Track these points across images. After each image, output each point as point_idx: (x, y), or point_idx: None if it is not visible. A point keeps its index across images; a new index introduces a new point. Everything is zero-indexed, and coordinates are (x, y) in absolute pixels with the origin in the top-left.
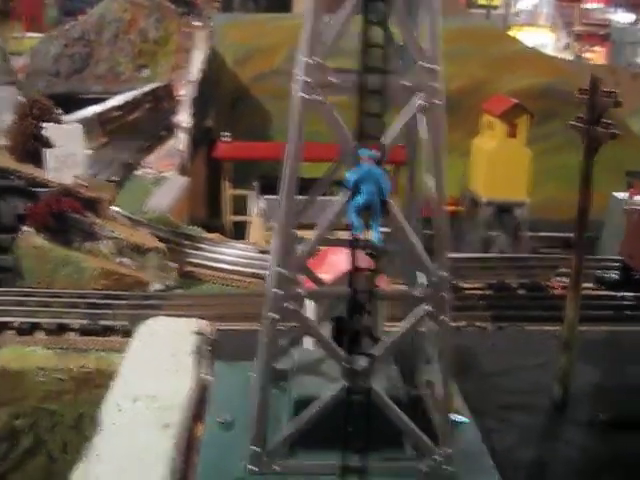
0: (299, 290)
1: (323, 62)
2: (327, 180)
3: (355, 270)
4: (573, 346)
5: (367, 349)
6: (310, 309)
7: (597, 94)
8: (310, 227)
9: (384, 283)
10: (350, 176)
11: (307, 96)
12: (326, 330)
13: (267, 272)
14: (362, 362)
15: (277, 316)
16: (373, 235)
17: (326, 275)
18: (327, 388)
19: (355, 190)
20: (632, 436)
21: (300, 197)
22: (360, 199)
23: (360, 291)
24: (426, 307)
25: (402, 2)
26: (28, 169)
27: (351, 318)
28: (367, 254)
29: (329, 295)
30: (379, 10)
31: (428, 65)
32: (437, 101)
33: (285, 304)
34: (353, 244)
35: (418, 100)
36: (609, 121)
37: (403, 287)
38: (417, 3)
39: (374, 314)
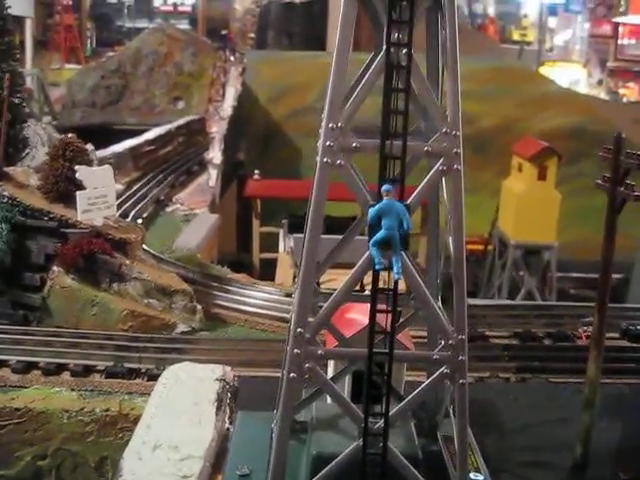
0: (318, 350)
1: (345, 127)
2: (351, 237)
3: (374, 332)
4: (595, 404)
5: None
6: (330, 362)
7: (621, 154)
8: (342, 266)
9: (406, 338)
10: (371, 210)
11: (329, 160)
12: (346, 385)
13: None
14: (378, 422)
15: (296, 375)
16: (393, 270)
17: (350, 328)
18: (346, 445)
19: (376, 224)
20: None
21: (326, 236)
22: (380, 234)
23: (377, 353)
24: (444, 370)
25: (427, 65)
26: (59, 210)
27: (369, 379)
28: (387, 311)
29: (347, 356)
30: (402, 76)
31: (450, 131)
32: (457, 165)
33: (304, 364)
34: (373, 305)
35: (440, 166)
36: (632, 183)
37: (423, 348)
38: (442, 66)
39: (393, 372)
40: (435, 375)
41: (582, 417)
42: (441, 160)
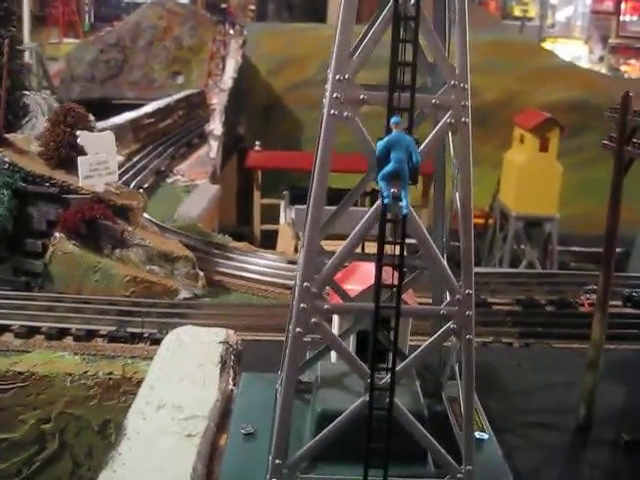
0: (325, 305)
1: (352, 79)
2: (358, 191)
3: (380, 285)
4: (598, 366)
5: (390, 365)
6: (335, 322)
7: (628, 113)
8: (340, 238)
9: (410, 298)
10: (379, 143)
11: (336, 112)
12: (351, 343)
13: (293, 283)
14: (384, 378)
15: (302, 330)
16: (402, 204)
17: (355, 287)
18: (350, 403)
19: (384, 158)
20: None
21: (329, 207)
22: (389, 167)
23: (384, 307)
24: (451, 325)
25: (433, 20)
26: (61, 176)
27: (375, 334)
28: (394, 268)
29: (354, 310)
30: (410, 28)
31: (458, 84)
32: (465, 119)
33: (310, 319)
34: (379, 259)
35: (448, 119)
36: None
37: (429, 304)
38: (449, 21)
39: (399, 329)
40: (442, 330)
41: (585, 379)
42: (449, 113)
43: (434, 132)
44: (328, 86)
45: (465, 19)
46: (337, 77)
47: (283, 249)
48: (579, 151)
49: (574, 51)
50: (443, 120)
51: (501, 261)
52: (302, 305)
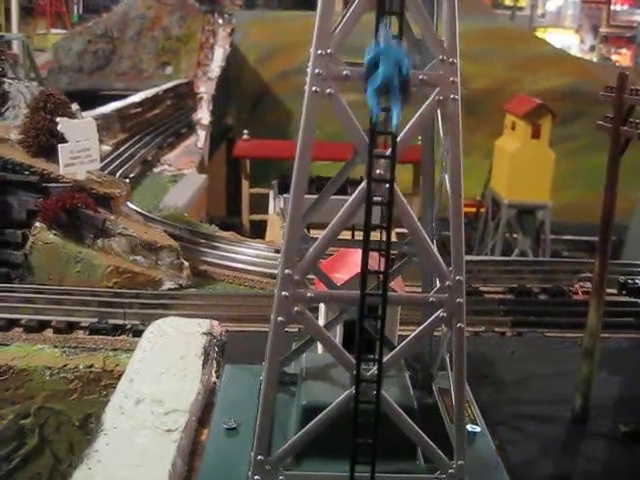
0: (308, 293)
1: (335, 54)
2: (342, 178)
3: (366, 272)
4: (594, 355)
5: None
6: (321, 312)
7: (624, 92)
8: (323, 227)
9: (399, 286)
10: (367, 54)
11: (318, 89)
12: (337, 334)
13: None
14: (371, 369)
15: (284, 319)
16: (392, 119)
17: (342, 275)
18: (337, 395)
19: (372, 69)
20: None
21: (313, 196)
22: (377, 79)
23: (371, 295)
24: (441, 313)
25: None
26: (41, 164)
27: (361, 323)
28: (381, 255)
29: (339, 299)
30: (396, 0)
31: (447, 59)
32: (455, 95)
33: (293, 307)
34: (366, 244)
35: (436, 95)
36: (638, 120)
37: (418, 291)
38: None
39: (386, 319)
40: (431, 319)
41: (581, 368)
42: (437, 90)
43: (421, 110)
44: (310, 62)
45: None
46: (319, 52)
47: (272, 238)
48: (571, 139)
49: (565, 40)
50: (431, 97)
51: (493, 250)
52: (284, 293)
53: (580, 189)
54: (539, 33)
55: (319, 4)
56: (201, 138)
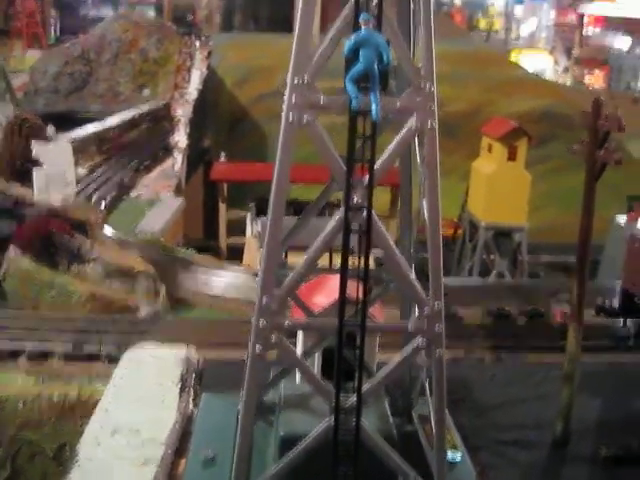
0: (285, 321)
1: (312, 82)
2: (320, 201)
3: (344, 301)
4: (574, 379)
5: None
6: (299, 339)
7: (600, 117)
8: (303, 249)
9: (378, 312)
10: (347, 43)
11: (295, 117)
12: (316, 361)
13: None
14: (350, 399)
15: (262, 348)
16: (372, 107)
17: (320, 301)
18: (315, 425)
19: (353, 57)
20: (634, 471)
21: (290, 217)
22: (358, 66)
23: (349, 324)
24: (420, 341)
25: (397, 22)
26: (15, 189)
27: (340, 352)
28: (359, 282)
29: (317, 327)
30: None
31: (424, 86)
32: (432, 123)
33: (270, 335)
34: (343, 272)
35: (414, 122)
36: (612, 146)
37: (397, 318)
38: (413, 23)
39: (365, 346)
40: (409, 346)
41: (562, 392)
42: (414, 116)
43: (399, 137)
44: (287, 89)
45: (431, 20)
46: (295, 80)
47: (249, 262)
48: (546, 161)
49: (539, 62)
50: (408, 124)
51: (471, 271)
52: (261, 321)
53: (556, 210)
54: (514, 54)
55: (296, 32)
56: (178, 161)
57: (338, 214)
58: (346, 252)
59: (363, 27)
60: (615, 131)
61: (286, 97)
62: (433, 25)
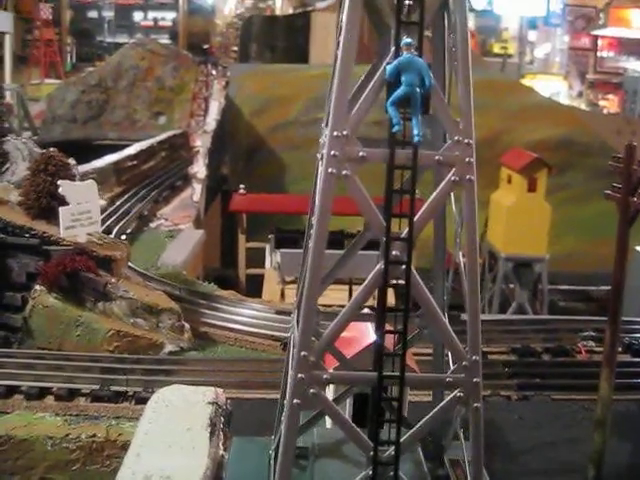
0: (324, 375)
1: (351, 135)
2: (353, 250)
3: (383, 354)
4: (607, 424)
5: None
6: (330, 386)
7: (633, 163)
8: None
9: (410, 359)
10: (389, 67)
11: (334, 170)
12: (347, 406)
13: (286, 341)
14: (387, 451)
15: (299, 401)
16: (413, 130)
17: (348, 349)
18: (350, 475)
19: (395, 81)
20: None
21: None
22: (400, 90)
23: (388, 376)
24: (458, 393)
25: (433, 70)
26: (41, 226)
27: (378, 406)
28: (395, 332)
29: (356, 380)
30: None
31: (462, 139)
32: (470, 176)
33: (309, 389)
34: (381, 322)
35: (452, 176)
36: None
37: (426, 366)
38: (449, 71)
39: (401, 397)
40: (448, 399)
41: (594, 438)
42: (453, 170)
43: (437, 190)
44: (325, 142)
45: (469, 71)
46: (335, 133)
47: (269, 294)
48: (565, 188)
49: (553, 87)
50: (447, 178)
51: (490, 302)
52: (300, 375)
53: (575, 238)
54: (528, 79)
55: (335, 85)
56: (197, 192)
57: (376, 269)
58: (384, 306)
59: (405, 52)
60: None
61: (325, 150)
62: (471, 77)
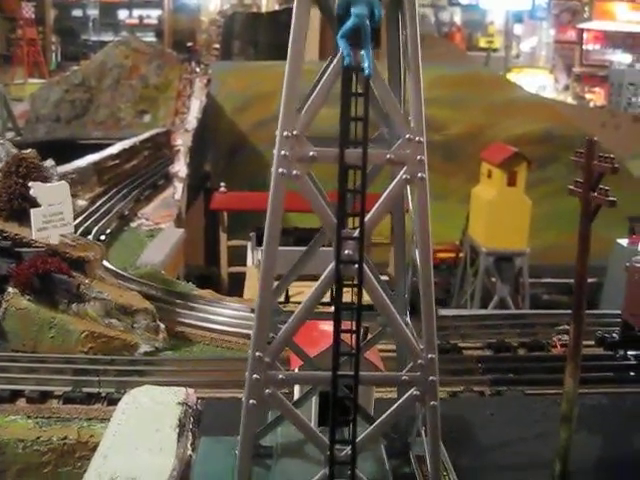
0: (279, 375)
1: (301, 135)
2: (309, 256)
3: (338, 353)
4: (572, 419)
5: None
6: (296, 386)
7: (593, 158)
8: (310, 279)
9: (375, 356)
10: None
11: (285, 170)
12: (313, 405)
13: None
14: (345, 450)
15: (256, 402)
16: (364, 64)
17: (313, 348)
18: (311, 474)
19: (344, 14)
20: None
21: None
22: (349, 22)
23: (342, 375)
24: (414, 392)
25: (388, 70)
26: (13, 229)
27: (333, 405)
28: (352, 331)
29: (311, 380)
30: (361, 81)
31: (414, 137)
32: (422, 174)
33: (264, 390)
34: (337, 323)
35: (403, 174)
36: (606, 188)
37: (394, 363)
38: (403, 69)
39: (360, 392)
40: (404, 397)
41: (560, 433)
42: (404, 168)
43: (389, 189)
44: (276, 142)
45: (419, 68)
46: (285, 134)
47: (251, 293)
48: (545, 182)
49: (540, 80)
50: (398, 176)
51: (472, 296)
52: (255, 376)
53: (556, 231)
54: (514, 73)
55: (284, 85)
56: (178, 190)
57: (329, 268)
58: (339, 305)
59: None
60: (609, 173)
61: (275, 150)
62: (421, 74)
